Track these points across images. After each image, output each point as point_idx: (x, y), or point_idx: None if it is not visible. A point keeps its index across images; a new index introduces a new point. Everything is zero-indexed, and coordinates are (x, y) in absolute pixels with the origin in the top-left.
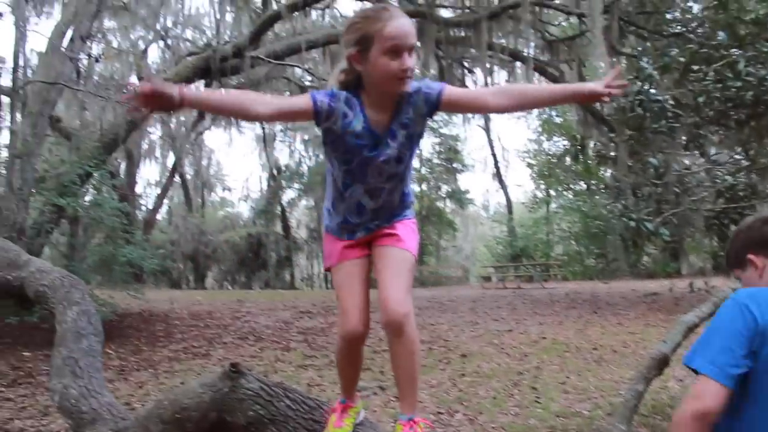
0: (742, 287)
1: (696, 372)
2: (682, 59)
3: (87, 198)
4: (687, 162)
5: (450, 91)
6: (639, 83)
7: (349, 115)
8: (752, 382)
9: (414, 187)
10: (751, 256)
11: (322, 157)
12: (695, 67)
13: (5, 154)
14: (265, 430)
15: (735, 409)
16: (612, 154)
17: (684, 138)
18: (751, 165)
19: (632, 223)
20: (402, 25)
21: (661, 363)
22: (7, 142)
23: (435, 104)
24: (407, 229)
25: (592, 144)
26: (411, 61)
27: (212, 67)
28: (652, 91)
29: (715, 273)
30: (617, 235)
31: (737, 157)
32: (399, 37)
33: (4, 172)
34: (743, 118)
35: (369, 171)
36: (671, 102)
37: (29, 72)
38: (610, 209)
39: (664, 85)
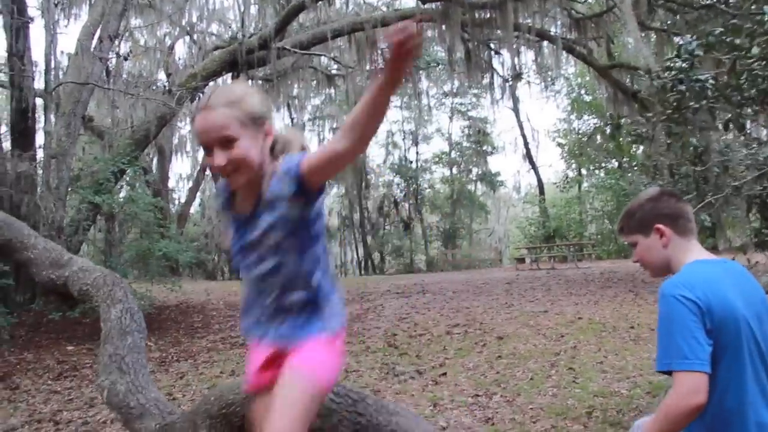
0: (639, 252)
1: (670, 373)
2: (724, 37)
3: (121, 194)
4: (728, 140)
5: (307, 159)
6: (678, 62)
7: (221, 196)
8: (718, 354)
9: (444, 171)
10: (660, 226)
11: None
12: (737, 42)
13: (41, 154)
14: (310, 424)
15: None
16: (646, 131)
17: (726, 117)
18: None
19: None
20: (198, 121)
21: None
22: (43, 142)
23: (299, 180)
24: (313, 345)
25: (623, 121)
26: (222, 158)
27: (239, 59)
28: (692, 69)
29: (757, 249)
30: None
31: None
32: (197, 135)
33: (41, 172)
34: None
35: (246, 260)
36: (712, 81)
37: (60, 74)
38: (644, 185)
39: (706, 65)
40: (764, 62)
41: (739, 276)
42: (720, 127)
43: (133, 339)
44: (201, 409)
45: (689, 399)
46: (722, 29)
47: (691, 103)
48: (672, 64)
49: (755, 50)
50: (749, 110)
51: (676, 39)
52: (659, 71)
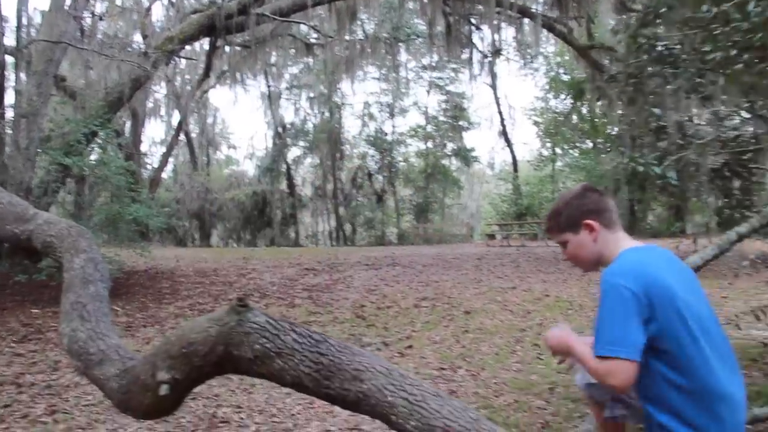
0: (566, 253)
1: (606, 357)
2: None
3: (93, 157)
4: (691, 113)
5: None
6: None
7: None
8: (663, 343)
9: (420, 145)
10: (588, 221)
11: (327, 115)
12: (704, 8)
13: (11, 113)
14: (271, 363)
15: (669, 370)
16: (606, 91)
17: (685, 84)
18: (755, 117)
19: (640, 168)
20: None
21: None
22: (13, 101)
23: None
24: None
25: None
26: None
27: (217, 24)
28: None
29: (720, 230)
30: (620, 188)
31: (742, 109)
32: None
33: (10, 131)
34: (751, 62)
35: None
36: (673, 47)
37: (33, 31)
38: (615, 161)
39: (666, 29)
40: (726, 26)
41: (669, 259)
42: (680, 97)
43: (96, 288)
44: (161, 349)
45: (606, 380)
46: None
47: (656, 68)
48: (635, 32)
49: (718, 14)
50: (712, 78)
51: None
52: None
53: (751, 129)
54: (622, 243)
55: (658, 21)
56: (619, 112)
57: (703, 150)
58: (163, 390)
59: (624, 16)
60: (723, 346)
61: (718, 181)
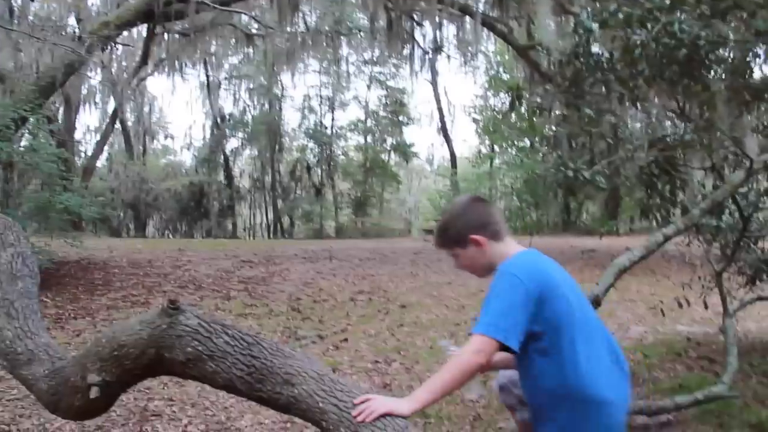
0: (458, 264)
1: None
2: (619, 16)
3: (22, 143)
4: (619, 113)
5: None
6: (577, 37)
7: None
8: (545, 340)
9: (359, 139)
10: (474, 237)
11: (267, 106)
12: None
13: None
14: (204, 366)
15: (553, 364)
16: (544, 103)
17: (618, 90)
18: (682, 117)
19: (569, 173)
20: None
21: (594, 304)
22: None
23: None
24: None
25: (528, 97)
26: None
27: (155, 10)
28: (590, 45)
29: (641, 217)
30: (555, 189)
31: (670, 112)
32: None
33: None
34: (676, 76)
35: None
36: (607, 56)
37: None
38: (548, 161)
39: (602, 40)
40: (654, 43)
41: (555, 264)
42: (614, 101)
43: (24, 284)
44: (92, 351)
45: (473, 357)
46: (616, 6)
47: (588, 77)
48: (571, 39)
49: (643, 35)
50: (642, 85)
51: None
52: (558, 49)
53: (679, 130)
54: (511, 249)
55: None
56: (556, 113)
57: (632, 150)
58: (94, 393)
59: (562, 17)
60: (606, 349)
61: (645, 177)
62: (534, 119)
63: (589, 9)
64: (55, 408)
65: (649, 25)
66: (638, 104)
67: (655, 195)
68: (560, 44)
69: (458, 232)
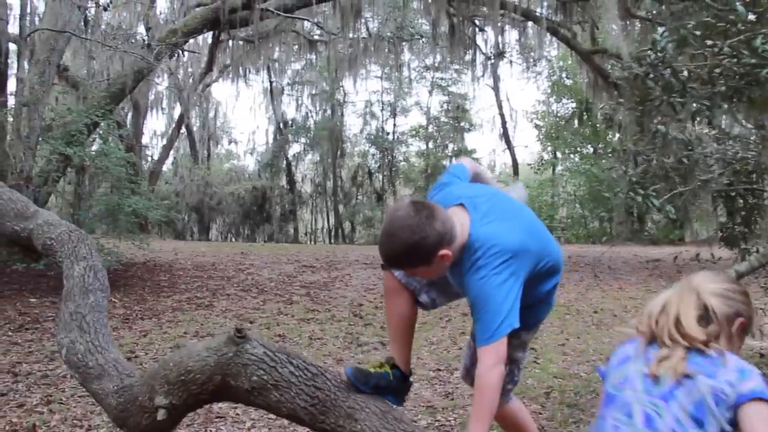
0: (421, 274)
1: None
2: (697, 33)
3: (93, 147)
4: (698, 133)
5: None
6: (652, 55)
7: None
8: None
9: (420, 145)
10: (442, 252)
11: (329, 112)
12: (709, 43)
13: (13, 102)
14: (268, 395)
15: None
16: (619, 118)
17: (694, 106)
18: (762, 141)
19: (639, 198)
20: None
21: None
22: (15, 89)
23: None
24: None
25: (600, 107)
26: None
27: (221, 18)
28: (664, 62)
29: (721, 244)
30: (622, 204)
31: (747, 131)
32: None
33: (11, 120)
34: (757, 96)
35: None
36: (683, 75)
37: (36, 20)
38: (616, 176)
39: (677, 58)
40: (735, 59)
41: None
42: (684, 118)
43: (95, 298)
44: (159, 374)
45: (497, 371)
46: (694, 24)
47: (663, 97)
48: (646, 56)
49: (726, 49)
50: (724, 105)
51: (661, 29)
52: (632, 61)
53: (756, 151)
54: (461, 234)
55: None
56: (624, 127)
57: (707, 175)
58: (161, 414)
59: (627, 22)
60: None
61: (722, 198)
62: (597, 125)
63: (664, 27)
64: (123, 424)
65: (729, 43)
66: (714, 125)
67: (735, 217)
68: (625, 49)
69: (427, 252)
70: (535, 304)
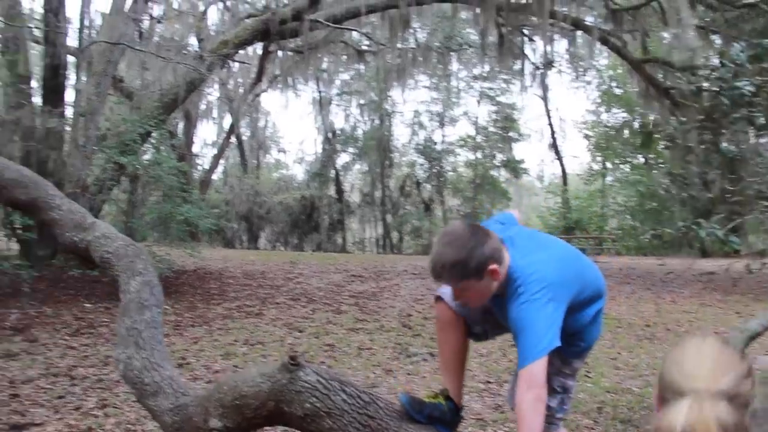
0: (463, 296)
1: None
2: None
3: (146, 156)
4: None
5: None
6: (722, 69)
7: None
8: None
9: (468, 155)
10: (493, 267)
11: (377, 122)
12: None
13: (70, 112)
14: (321, 423)
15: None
16: (677, 136)
17: (762, 120)
18: None
19: (702, 233)
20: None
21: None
22: (72, 100)
23: None
24: None
25: (652, 117)
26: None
27: (271, 29)
28: (737, 76)
29: None
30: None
31: None
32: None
33: (68, 129)
34: None
35: None
36: (751, 89)
37: (94, 32)
38: (673, 200)
39: (750, 72)
40: None
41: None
42: (752, 131)
43: (151, 314)
44: (214, 396)
45: (539, 393)
46: None
47: (734, 114)
48: (715, 69)
49: None
50: None
51: (713, 37)
52: (695, 71)
53: None
54: (507, 264)
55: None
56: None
57: None
58: None
59: (679, 30)
60: None
61: None
62: (650, 137)
63: (742, 43)
64: None
65: None
66: None
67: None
68: (675, 58)
69: (479, 264)
70: (580, 331)
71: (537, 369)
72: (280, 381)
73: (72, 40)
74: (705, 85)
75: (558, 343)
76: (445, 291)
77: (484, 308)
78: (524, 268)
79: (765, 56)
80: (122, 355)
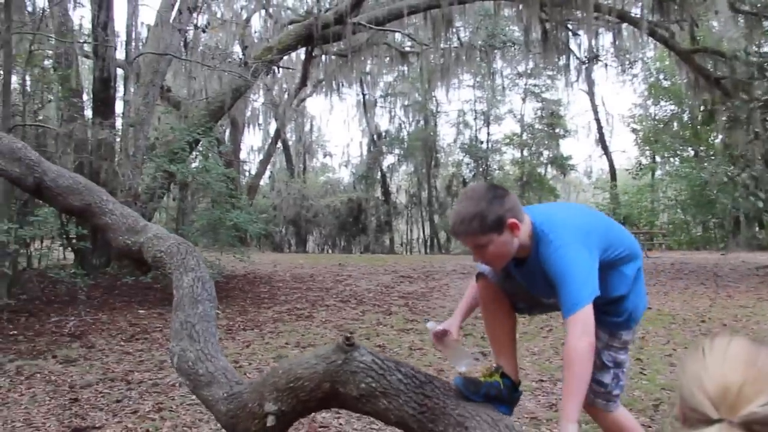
0: (485, 255)
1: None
2: None
3: (195, 164)
4: None
5: None
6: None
7: None
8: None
9: (515, 153)
10: (513, 220)
11: (422, 122)
12: None
13: (120, 123)
14: (376, 403)
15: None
16: (742, 116)
17: None
18: None
19: (760, 203)
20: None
21: None
22: (122, 111)
23: None
24: None
25: (692, 103)
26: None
27: (314, 34)
28: None
29: None
30: (737, 210)
31: None
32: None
33: (119, 140)
34: None
35: None
36: None
37: (141, 45)
38: (724, 180)
39: None
40: None
41: (577, 209)
42: None
43: (204, 307)
44: (269, 381)
45: (586, 340)
46: None
47: None
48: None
49: None
50: None
51: (766, 23)
52: (734, 59)
53: None
54: (529, 225)
55: None
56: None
57: None
58: (270, 421)
59: (730, 16)
60: None
61: None
62: (698, 128)
63: None
64: (233, 430)
65: None
66: None
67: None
68: (726, 47)
69: (498, 216)
70: (623, 297)
71: (587, 315)
72: (335, 362)
73: (120, 53)
74: (757, 60)
75: (598, 291)
76: (485, 267)
77: (518, 277)
78: (549, 220)
79: None
80: (176, 348)
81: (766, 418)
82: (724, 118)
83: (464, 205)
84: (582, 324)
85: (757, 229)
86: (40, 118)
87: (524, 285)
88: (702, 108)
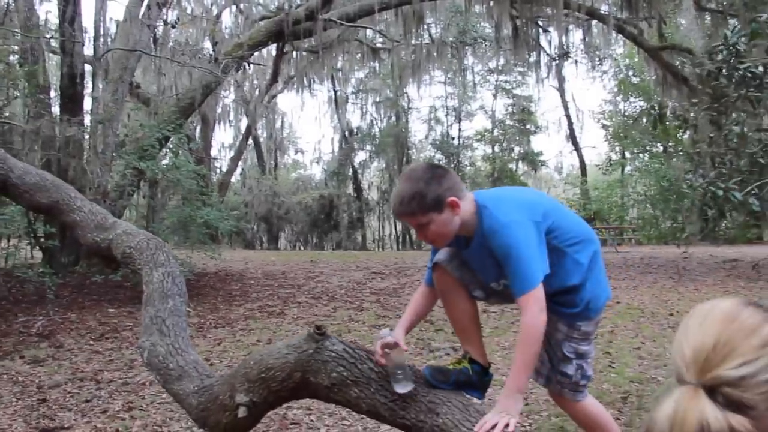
0: (427, 233)
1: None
2: None
3: (165, 161)
4: None
5: None
6: (724, 51)
7: None
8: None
9: (486, 149)
10: (453, 199)
11: (393, 119)
12: None
13: (89, 119)
14: (348, 392)
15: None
16: (692, 116)
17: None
18: None
19: (720, 192)
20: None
21: None
22: (90, 108)
23: None
24: None
25: (670, 105)
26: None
27: (285, 30)
28: (738, 57)
29: None
30: (697, 203)
31: None
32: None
33: (87, 137)
34: None
35: None
36: (756, 70)
37: (109, 40)
38: (691, 178)
39: (750, 53)
40: None
41: (521, 190)
42: (761, 113)
43: (174, 302)
44: (240, 372)
45: (540, 317)
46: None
47: (741, 92)
48: (717, 52)
49: None
50: None
51: (732, 21)
52: (705, 57)
53: None
54: (471, 203)
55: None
56: (703, 130)
57: None
58: (242, 412)
59: (696, 14)
60: None
61: None
62: (667, 123)
63: (735, 23)
64: (204, 423)
65: None
66: None
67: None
68: (694, 44)
69: (437, 195)
70: (579, 285)
71: (541, 291)
72: (306, 351)
73: (88, 49)
74: (711, 67)
75: (548, 270)
76: (441, 256)
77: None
78: (492, 197)
79: (759, 33)
80: (146, 343)
81: (738, 380)
82: (674, 117)
83: (404, 185)
84: (539, 301)
85: (719, 222)
86: (6, 114)
87: (476, 270)
88: (651, 110)
